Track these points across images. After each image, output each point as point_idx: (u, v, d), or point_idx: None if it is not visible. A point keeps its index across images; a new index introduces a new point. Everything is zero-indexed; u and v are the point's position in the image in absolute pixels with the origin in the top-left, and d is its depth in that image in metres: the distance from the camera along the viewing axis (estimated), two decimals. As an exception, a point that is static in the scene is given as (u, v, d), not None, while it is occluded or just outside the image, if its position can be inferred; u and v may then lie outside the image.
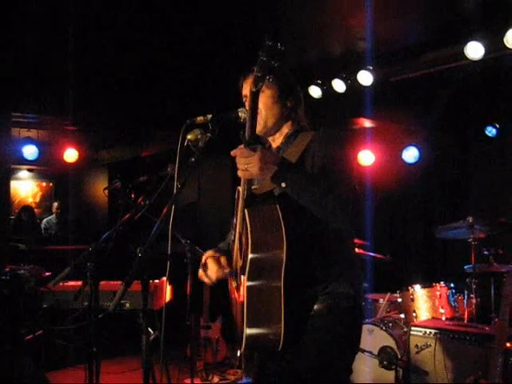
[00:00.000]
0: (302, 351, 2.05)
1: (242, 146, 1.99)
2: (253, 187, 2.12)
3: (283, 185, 1.95)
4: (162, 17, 4.59)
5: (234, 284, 2.20)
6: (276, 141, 2.33)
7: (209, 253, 2.38)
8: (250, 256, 1.93)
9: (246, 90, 2.24)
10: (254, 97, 1.94)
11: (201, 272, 2.38)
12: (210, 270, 2.34)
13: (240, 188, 2.12)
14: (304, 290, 2.06)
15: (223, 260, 2.34)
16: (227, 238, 2.51)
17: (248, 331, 1.95)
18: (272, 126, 2.28)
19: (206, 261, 2.37)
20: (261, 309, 1.96)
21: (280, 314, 1.93)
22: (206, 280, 2.37)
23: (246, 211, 1.99)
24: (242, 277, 2.04)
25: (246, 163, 1.94)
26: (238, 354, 5.73)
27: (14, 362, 4.32)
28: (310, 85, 5.79)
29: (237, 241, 2.16)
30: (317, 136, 2.18)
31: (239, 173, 1.98)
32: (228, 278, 2.35)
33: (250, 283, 1.96)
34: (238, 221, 2.16)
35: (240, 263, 2.09)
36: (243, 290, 1.99)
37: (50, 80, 5.87)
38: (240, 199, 2.11)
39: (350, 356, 2.16)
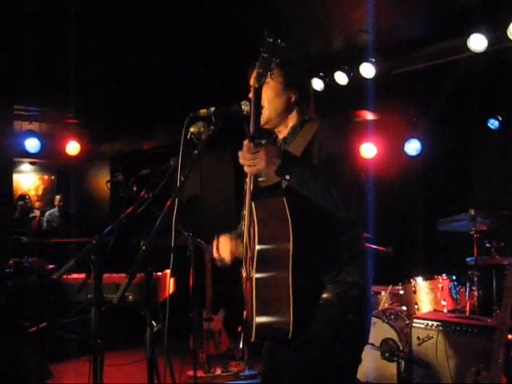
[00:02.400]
0: (313, 339, 2.07)
1: (247, 141, 1.99)
2: (260, 179, 2.13)
3: (287, 177, 1.97)
4: (164, 9, 4.58)
5: (244, 274, 2.21)
6: (282, 132, 2.34)
7: (223, 235, 2.42)
8: (257, 248, 1.96)
9: (251, 79, 2.23)
10: (257, 92, 1.99)
11: (214, 248, 2.40)
12: (223, 248, 2.37)
13: (247, 180, 2.14)
14: (312, 279, 2.08)
15: (236, 243, 2.38)
16: (238, 227, 2.51)
17: (258, 320, 1.99)
18: (275, 118, 2.28)
19: (220, 239, 2.40)
20: (269, 298, 1.98)
21: (289, 304, 1.96)
22: (217, 256, 2.39)
23: (253, 204, 2.02)
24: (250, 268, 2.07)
25: (253, 159, 1.95)
26: (241, 345, 5.76)
27: (18, 354, 4.35)
28: (312, 77, 5.78)
29: (246, 232, 2.17)
30: (322, 126, 2.20)
31: (246, 168, 2.00)
32: (239, 264, 2.36)
33: (258, 275, 1.99)
34: (246, 213, 2.17)
35: (250, 254, 2.11)
36: (252, 281, 2.01)
37: (51, 73, 5.87)
38: (247, 192, 2.12)
39: (360, 343, 2.19)
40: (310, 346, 2.08)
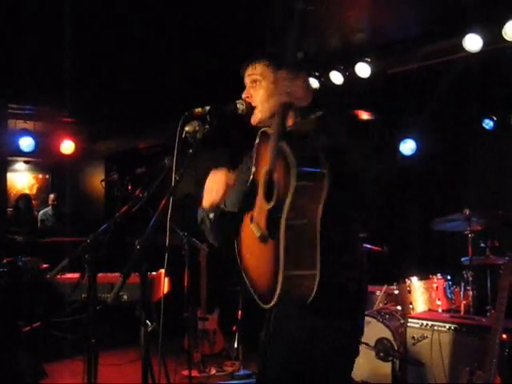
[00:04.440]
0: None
1: (283, 70, 1.94)
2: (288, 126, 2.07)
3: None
4: (160, 9, 4.57)
5: (257, 233, 2.07)
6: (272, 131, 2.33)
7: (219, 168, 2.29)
8: (292, 191, 1.86)
9: (249, 77, 2.27)
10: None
11: (207, 182, 2.28)
12: (219, 180, 2.23)
13: (267, 129, 2.08)
14: (337, 241, 2.06)
15: (231, 176, 2.28)
16: None
17: (286, 272, 1.89)
18: (268, 119, 2.25)
19: (215, 171, 2.28)
20: (299, 251, 1.91)
21: (316, 260, 1.90)
22: (210, 193, 2.25)
23: (294, 170, 1.88)
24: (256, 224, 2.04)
25: (290, 86, 1.92)
26: (235, 345, 5.76)
27: (12, 353, 4.33)
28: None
29: (262, 179, 2.07)
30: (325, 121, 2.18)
31: (279, 96, 1.95)
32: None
33: (291, 222, 1.89)
34: (262, 160, 2.09)
35: (266, 205, 2.02)
36: (279, 231, 1.91)
37: (46, 72, 5.85)
38: (271, 133, 2.01)
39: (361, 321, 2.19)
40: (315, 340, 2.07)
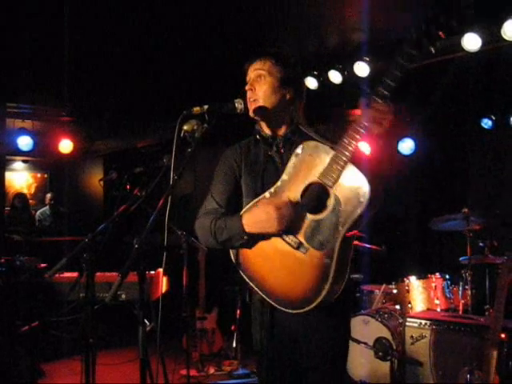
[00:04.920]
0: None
1: (375, 101, 2.00)
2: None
3: None
4: (158, 8, 4.56)
5: (291, 242, 2.13)
6: (275, 130, 2.35)
7: None
8: (359, 210, 2.00)
9: (256, 71, 2.28)
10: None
11: None
12: None
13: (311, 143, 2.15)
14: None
15: None
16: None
17: (333, 283, 2.03)
18: (270, 114, 2.29)
19: None
20: (343, 262, 2.08)
21: (346, 276, 2.10)
22: None
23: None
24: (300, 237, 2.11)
25: (384, 119, 2.01)
26: (234, 344, 5.75)
27: (9, 353, 4.32)
28: (306, 76, 5.77)
29: (303, 190, 2.14)
30: (330, 128, 2.31)
31: (378, 128, 2.02)
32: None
33: (347, 234, 2.04)
34: (302, 170, 2.15)
35: (312, 216, 2.10)
36: (334, 247, 2.03)
37: (45, 70, 5.84)
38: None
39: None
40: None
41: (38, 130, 7.79)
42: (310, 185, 2.11)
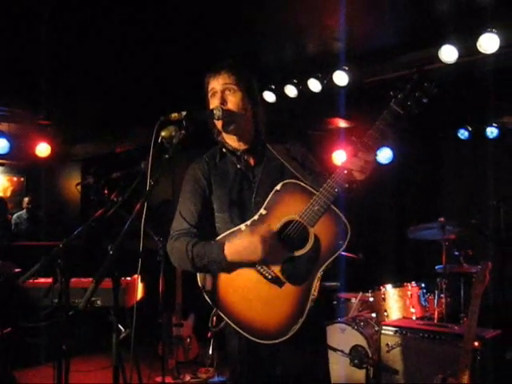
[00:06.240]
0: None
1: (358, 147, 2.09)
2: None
3: None
4: (137, 13, 4.54)
5: (265, 273, 2.15)
6: (235, 142, 2.37)
7: None
8: (338, 251, 2.11)
9: (214, 84, 2.29)
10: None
11: None
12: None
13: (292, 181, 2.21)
14: None
15: None
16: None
17: (304, 321, 2.09)
18: (241, 127, 2.31)
19: None
20: (316, 303, 2.14)
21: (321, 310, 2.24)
22: None
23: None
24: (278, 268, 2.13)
25: (368, 167, 2.10)
26: (210, 352, 5.72)
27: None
28: (285, 84, 5.79)
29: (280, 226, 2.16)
30: (295, 147, 2.41)
31: (359, 174, 2.10)
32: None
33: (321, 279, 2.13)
34: (281, 205, 2.18)
35: (287, 253, 2.13)
36: (311, 285, 2.10)
37: (22, 73, 5.77)
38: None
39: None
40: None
41: (15, 132, 7.69)
42: (289, 222, 2.14)
